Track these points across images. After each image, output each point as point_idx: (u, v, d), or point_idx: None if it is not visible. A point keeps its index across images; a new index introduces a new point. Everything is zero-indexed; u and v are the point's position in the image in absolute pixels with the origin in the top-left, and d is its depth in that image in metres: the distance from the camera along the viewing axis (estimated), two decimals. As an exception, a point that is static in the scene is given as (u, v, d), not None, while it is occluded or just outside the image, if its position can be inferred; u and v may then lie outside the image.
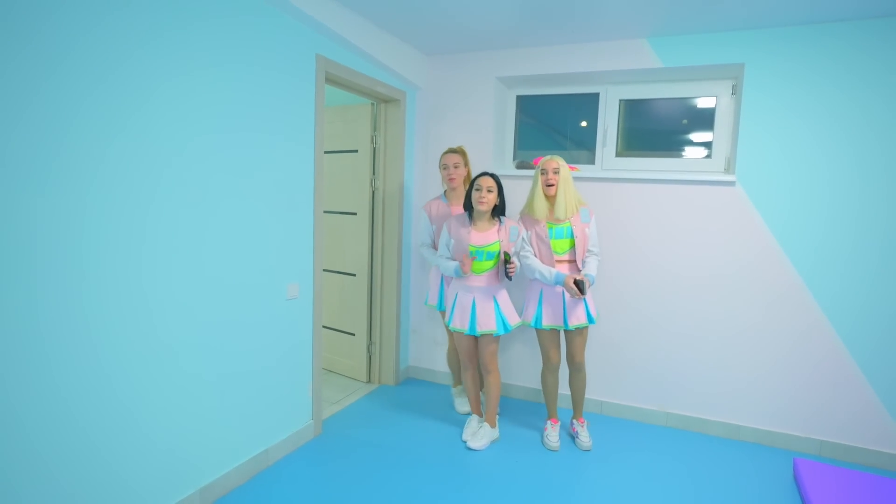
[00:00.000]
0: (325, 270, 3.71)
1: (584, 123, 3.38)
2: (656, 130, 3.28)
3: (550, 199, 2.67)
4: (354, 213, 3.53)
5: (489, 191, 2.59)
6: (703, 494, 2.36)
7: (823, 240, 2.66)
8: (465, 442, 2.72)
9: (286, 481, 2.33)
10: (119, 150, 1.70)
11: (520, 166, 3.41)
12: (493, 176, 2.62)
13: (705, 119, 3.07)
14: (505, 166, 3.51)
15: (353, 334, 3.62)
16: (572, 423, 2.84)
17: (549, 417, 2.83)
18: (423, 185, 3.56)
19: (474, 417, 2.84)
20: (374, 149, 3.42)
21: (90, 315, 1.66)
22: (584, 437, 2.76)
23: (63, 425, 1.61)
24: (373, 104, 3.38)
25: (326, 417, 2.97)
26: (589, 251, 2.74)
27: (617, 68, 3.00)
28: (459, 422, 3.02)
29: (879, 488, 2.26)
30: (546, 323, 2.70)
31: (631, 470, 2.54)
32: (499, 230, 2.66)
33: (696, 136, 3.16)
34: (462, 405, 3.12)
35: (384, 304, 3.51)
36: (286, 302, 2.48)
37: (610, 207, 3.09)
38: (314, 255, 2.65)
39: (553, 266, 2.69)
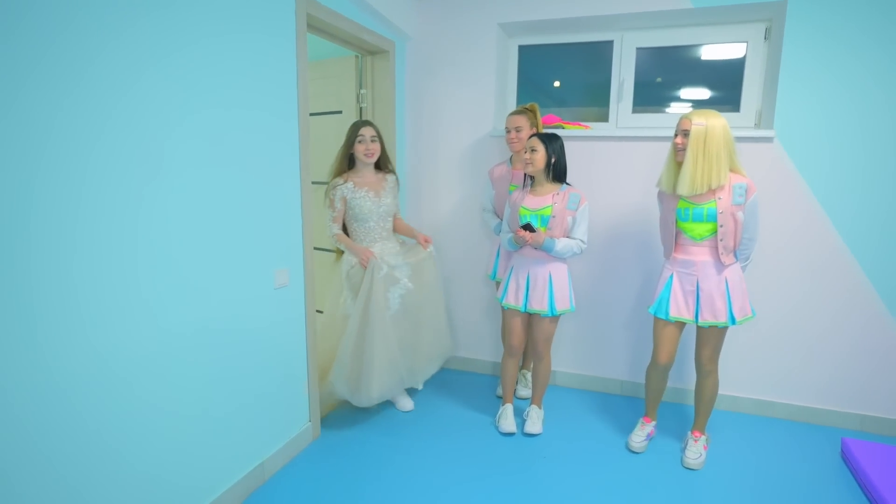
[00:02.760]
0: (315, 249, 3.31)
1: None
2: (671, 82, 2.97)
3: (678, 168, 2.11)
4: (341, 184, 3.12)
5: (533, 150, 2.28)
6: (748, 475, 2.16)
7: (861, 202, 2.44)
8: (501, 430, 2.51)
9: (285, 498, 2.02)
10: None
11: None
12: (540, 135, 2.31)
13: (728, 69, 2.77)
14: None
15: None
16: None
17: (644, 415, 2.46)
18: (416, 149, 3.17)
19: (509, 406, 2.56)
20: (361, 109, 3.00)
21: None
22: (693, 453, 2.26)
23: (23, 448, 1.24)
24: (357, 57, 2.94)
25: (326, 415, 2.64)
26: (747, 241, 2.14)
27: (638, 11, 2.64)
28: (484, 410, 2.75)
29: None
30: (674, 314, 2.19)
31: (666, 452, 2.32)
32: (555, 195, 2.32)
33: (718, 88, 2.86)
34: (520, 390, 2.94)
35: (378, 283, 3.15)
36: (274, 292, 2.11)
37: (628, 169, 2.78)
38: (304, 234, 2.27)
39: (689, 256, 2.16)
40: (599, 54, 2.98)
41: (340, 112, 3.06)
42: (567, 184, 2.38)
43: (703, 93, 2.91)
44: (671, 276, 2.23)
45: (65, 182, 1.32)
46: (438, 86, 3.08)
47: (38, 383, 1.30)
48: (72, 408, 1.38)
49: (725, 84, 2.83)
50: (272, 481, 2.12)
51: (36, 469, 1.31)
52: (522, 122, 2.57)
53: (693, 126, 2.02)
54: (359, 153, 2.45)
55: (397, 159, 3.05)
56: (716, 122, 2.01)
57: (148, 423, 1.60)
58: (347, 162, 2.52)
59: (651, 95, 2.95)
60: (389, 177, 2.59)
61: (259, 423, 2.08)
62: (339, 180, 2.50)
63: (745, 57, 2.69)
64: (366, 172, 2.53)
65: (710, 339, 2.21)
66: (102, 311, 1.44)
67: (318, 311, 3.23)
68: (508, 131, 2.60)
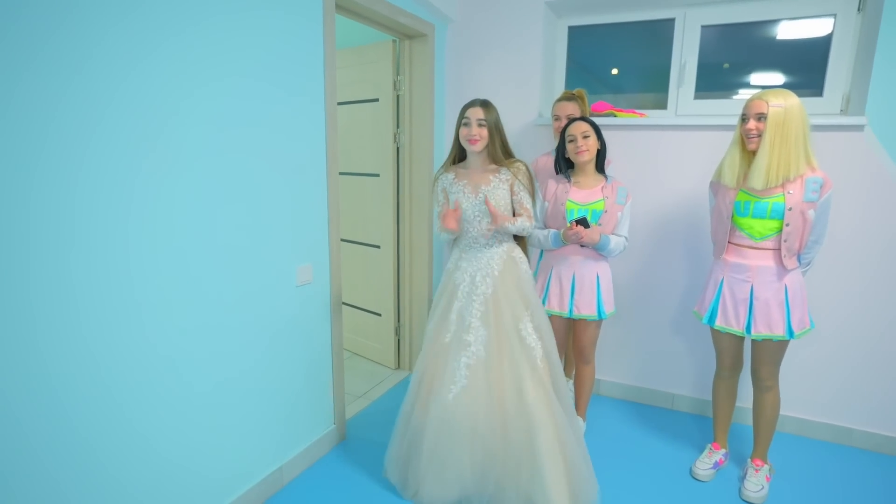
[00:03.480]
0: (344, 241, 3.22)
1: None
2: (739, 65, 2.64)
3: (751, 157, 1.84)
4: (377, 175, 3.00)
5: (585, 136, 2.08)
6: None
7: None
8: None
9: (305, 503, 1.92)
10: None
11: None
12: (585, 119, 2.11)
13: (809, 48, 2.42)
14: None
15: (379, 314, 3.16)
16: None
17: (714, 440, 2.20)
18: (457, 139, 2.99)
19: None
20: (398, 97, 2.85)
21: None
22: (753, 485, 1.98)
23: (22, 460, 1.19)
24: (395, 41, 2.79)
25: (351, 417, 2.54)
26: (813, 244, 1.87)
27: (705, -18, 2.35)
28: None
29: None
30: (720, 323, 1.97)
31: (724, 478, 2.06)
32: (603, 187, 2.13)
33: (795, 70, 2.52)
34: None
35: (414, 280, 3.02)
36: (296, 289, 2.00)
37: (687, 161, 2.50)
38: (329, 227, 2.15)
39: (744, 259, 1.89)
40: (658, 34, 2.69)
41: (377, 100, 2.92)
42: (608, 174, 2.18)
43: (776, 77, 2.57)
44: (721, 282, 1.97)
45: (63, 178, 1.24)
46: (480, 71, 2.89)
47: (37, 387, 1.24)
48: (75, 410, 1.31)
49: (805, 66, 2.48)
50: (291, 486, 2.03)
51: (31, 469, 1.25)
52: (573, 109, 2.35)
53: (771, 108, 1.74)
54: (462, 139, 1.94)
55: (435, 149, 2.89)
56: (795, 104, 1.73)
57: (159, 425, 1.53)
58: (459, 150, 2.02)
59: (716, 80, 2.64)
60: (504, 169, 1.95)
61: (279, 426, 1.99)
62: (442, 170, 2.06)
63: (831, 33, 2.34)
64: (472, 162, 1.99)
65: (766, 353, 1.93)
66: (108, 310, 1.36)
67: (345, 303, 3.11)
68: (558, 119, 2.39)
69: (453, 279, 1.98)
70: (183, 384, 1.59)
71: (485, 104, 1.91)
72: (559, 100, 2.43)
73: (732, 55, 2.63)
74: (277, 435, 1.99)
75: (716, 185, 1.99)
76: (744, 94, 2.62)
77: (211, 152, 1.60)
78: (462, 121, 1.92)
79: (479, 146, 1.90)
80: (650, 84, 2.81)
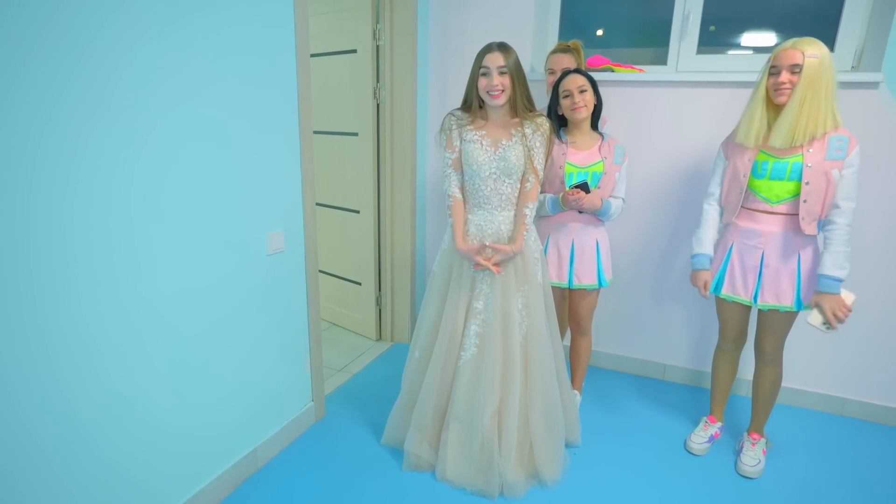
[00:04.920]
0: (320, 205, 3.02)
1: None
2: (742, 18, 2.46)
3: (774, 113, 1.68)
4: (355, 134, 2.78)
5: (582, 91, 1.90)
6: (814, 485, 1.82)
7: None
8: None
9: (280, 487, 1.79)
10: None
11: (568, 69, 2.61)
12: (580, 72, 1.93)
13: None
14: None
15: (359, 283, 3.00)
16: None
17: (710, 413, 2.13)
18: (442, 94, 2.77)
19: None
20: (378, 48, 2.61)
21: None
22: (750, 459, 1.92)
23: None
24: (374, -15, 2.53)
25: (330, 393, 2.40)
26: (835, 207, 1.66)
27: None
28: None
29: None
30: (727, 292, 1.86)
31: (715, 449, 2.00)
32: (601, 146, 1.97)
33: (802, 24, 2.35)
34: None
35: (395, 246, 2.84)
36: (267, 259, 1.82)
37: (689, 121, 2.34)
38: (303, 191, 1.95)
39: (757, 224, 1.76)
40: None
41: (355, 51, 2.68)
42: (603, 132, 2.02)
43: (782, 32, 2.40)
44: (731, 248, 1.84)
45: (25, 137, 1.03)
46: (468, 19, 2.65)
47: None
48: (40, 384, 1.14)
49: (815, 18, 2.32)
50: (266, 468, 1.90)
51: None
52: (568, 62, 2.16)
53: (807, 59, 1.57)
54: (482, 91, 1.72)
55: (419, 108, 2.68)
56: (827, 54, 1.58)
57: (121, 404, 1.36)
58: (475, 100, 1.76)
59: (717, 34, 2.46)
60: (526, 123, 1.75)
61: (252, 405, 1.84)
62: (458, 111, 1.82)
63: (846, -19, 2.17)
64: (493, 115, 1.78)
65: (773, 324, 1.83)
66: (53, 282, 1.17)
67: (322, 271, 2.94)
68: (552, 73, 2.20)
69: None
70: (144, 362, 1.42)
71: (504, 48, 1.69)
72: (553, 52, 2.23)
73: (737, 6, 2.44)
74: (250, 414, 1.84)
75: (731, 146, 1.83)
76: (747, 49, 2.45)
77: (158, 110, 1.37)
78: (480, 70, 1.71)
79: (503, 98, 1.70)
80: (649, 38, 2.61)
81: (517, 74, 1.70)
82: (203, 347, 1.61)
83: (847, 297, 1.65)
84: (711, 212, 1.89)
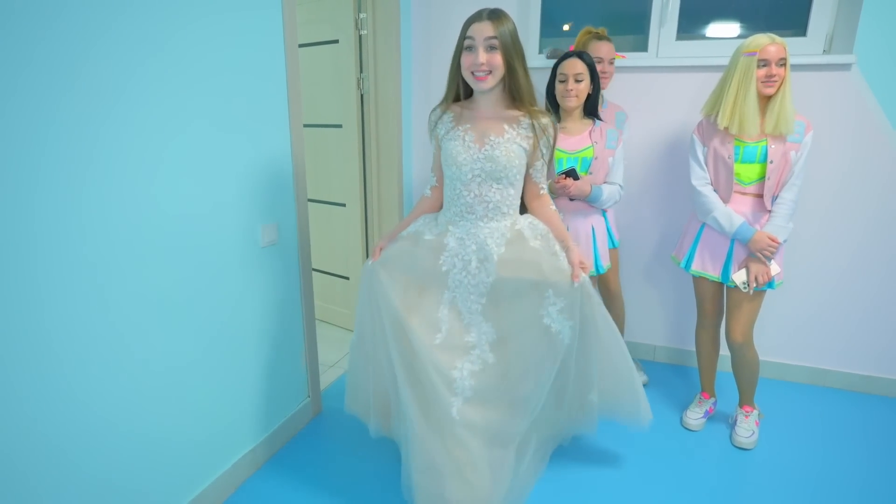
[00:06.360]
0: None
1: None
2: (718, 5, 2.53)
3: (764, 105, 1.78)
4: (339, 126, 2.74)
5: (577, 80, 1.89)
6: (806, 451, 1.90)
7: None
8: None
9: (282, 485, 1.75)
10: None
11: (552, 55, 2.62)
12: (582, 56, 1.89)
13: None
14: (531, 57, 2.72)
15: (347, 278, 2.96)
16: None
17: (701, 389, 2.18)
18: (426, 85, 2.75)
19: None
20: (361, 37, 2.58)
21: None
22: (744, 430, 1.99)
23: None
24: (355, -27, 2.49)
25: (325, 388, 2.36)
26: (787, 185, 1.82)
27: None
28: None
29: None
30: (696, 268, 1.95)
31: (709, 425, 2.05)
32: (591, 132, 1.97)
33: (773, 9, 2.44)
34: None
35: (383, 240, 2.82)
36: (261, 251, 1.78)
37: (669, 106, 2.40)
38: (295, 182, 1.91)
39: (730, 206, 1.87)
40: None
41: (337, 41, 2.64)
42: (597, 117, 2.02)
43: (755, 18, 2.48)
44: (702, 226, 1.93)
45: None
46: (452, 9, 2.64)
47: None
48: (40, 384, 1.08)
49: (787, 3, 2.40)
50: (268, 466, 1.85)
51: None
52: (608, 50, 2.15)
53: (787, 54, 1.73)
54: (465, 71, 1.40)
55: (403, 96, 2.66)
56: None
57: (114, 410, 1.30)
58: (458, 86, 1.49)
59: (696, 20, 2.52)
60: (527, 122, 1.46)
61: (250, 402, 1.80)
62: (440, 107, 1.57)
63: (817, -33, 2.25)
64: (480, 102, 1.48)
65: (741, 304, 1.89)
66: (51, 279, 1.11)
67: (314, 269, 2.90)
68: (600, 60, 2.14)
69: (437, 261, 1.51)
70: (136, 363, 1.36)
71: (495, 15, 1.35)
72: (587, 40, 2.16)
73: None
74: (248, 412, 1.80)
75: (708, 131, 1.90)
76: (723, 34, 2.52)
77: (152, 103, 1.32)
78: (464, 43, 1.37)
79: (490, 82, 1.37)
80: (628, 25, 2.66)
81: (514, 51, 1.35)
82: (200, 344, 1.56)
83: (773, 268, 1.81)
84: (712, 192, 1.90)
